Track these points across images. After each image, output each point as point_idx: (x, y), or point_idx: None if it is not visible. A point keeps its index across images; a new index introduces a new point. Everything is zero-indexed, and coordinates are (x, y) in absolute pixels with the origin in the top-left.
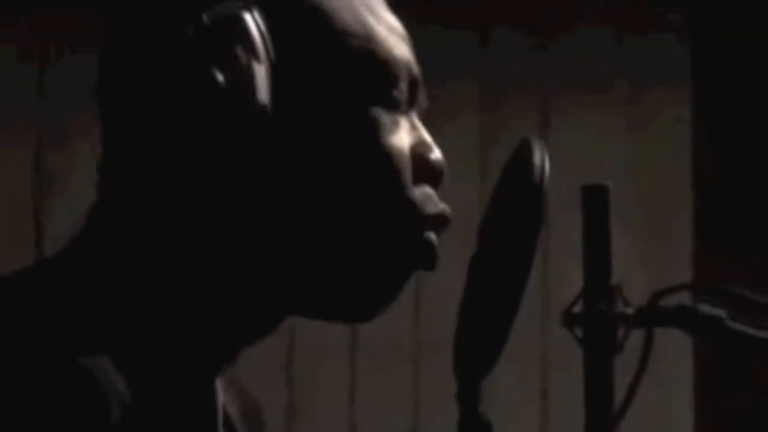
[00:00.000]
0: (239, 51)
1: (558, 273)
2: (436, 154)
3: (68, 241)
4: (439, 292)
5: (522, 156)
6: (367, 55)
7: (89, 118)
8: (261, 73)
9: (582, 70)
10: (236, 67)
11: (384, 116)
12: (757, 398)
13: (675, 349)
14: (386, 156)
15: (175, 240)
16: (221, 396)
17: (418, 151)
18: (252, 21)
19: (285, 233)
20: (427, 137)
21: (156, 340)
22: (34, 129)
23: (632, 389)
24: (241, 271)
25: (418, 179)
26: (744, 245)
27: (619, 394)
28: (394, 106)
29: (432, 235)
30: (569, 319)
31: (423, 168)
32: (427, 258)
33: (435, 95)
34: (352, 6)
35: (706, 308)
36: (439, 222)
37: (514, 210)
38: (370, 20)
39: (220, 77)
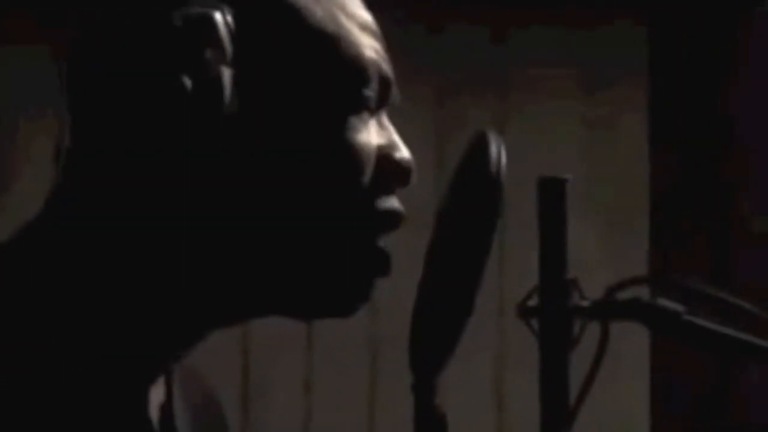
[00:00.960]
0: (208, 54)
1: (514, 266)
2: (404, 153)
3: (22, 225)
4: (395, 286)
5: (478, 148)
6: (336, 53)
7: (38, 115)
8: (227, 75)
9: (538, 63)
10: (204, 71)
11: (352, 115)
12: (713, 392)
13: (631, 342)
14: (352, 155)
15: (130, 229)
16: (160, 392)
17: (386, 151)
18: (222, 20)
19: (243, 231)
20: (396, 137)
21: (104, 330)
22: None
23: (588, 382)
24: (197, 264)
25: (386, 179)
26: (700, 239)
27: (575, 387)
28: (363, 106)
29: (385, 244)
30: (525, 312)
31: (390, 167)
32: (381, 266)
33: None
34: (324, 2)
35: (663, 302)
36: (391, 219)
37: (470, 202)
38: (342, 18)
39: (187, 82)
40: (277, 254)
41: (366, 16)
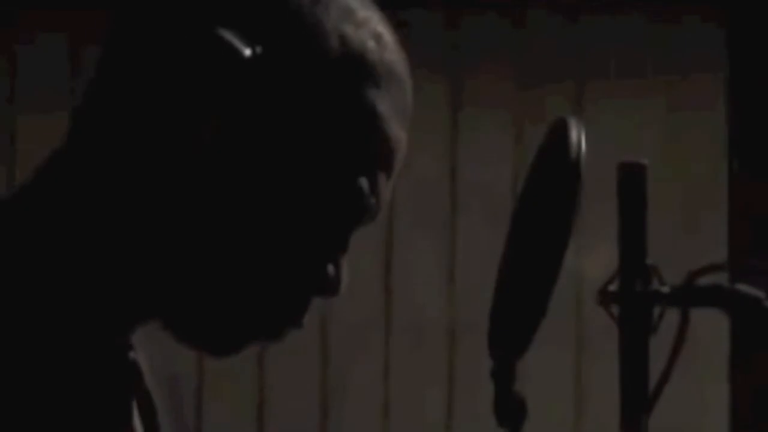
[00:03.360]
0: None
1: (593, 252)
2: (335, 276)
3: (20, 185)
4: (474, 271)
5: (559, 134)
6: (363, 133)
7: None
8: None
9: (620, 52)
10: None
11: (337, 207)
12: None
13: (710, 329)
14: (313, 235)
15: (116, 196)
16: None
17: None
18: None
19: (211, 228)
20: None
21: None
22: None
23: (668, 369)
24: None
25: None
26: None
27: (653, 374)
28: (359, 210)
29: (331, 268)
30: (605, 298)
31: (321, 281)
32: (298, 316)
33: (471, 78)
34: (385, 89)
35: (744, 288)
36: (330, 287)
37: (550, 188)
38: (385, 103)
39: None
40: (220, 260)
41: (407, 103)
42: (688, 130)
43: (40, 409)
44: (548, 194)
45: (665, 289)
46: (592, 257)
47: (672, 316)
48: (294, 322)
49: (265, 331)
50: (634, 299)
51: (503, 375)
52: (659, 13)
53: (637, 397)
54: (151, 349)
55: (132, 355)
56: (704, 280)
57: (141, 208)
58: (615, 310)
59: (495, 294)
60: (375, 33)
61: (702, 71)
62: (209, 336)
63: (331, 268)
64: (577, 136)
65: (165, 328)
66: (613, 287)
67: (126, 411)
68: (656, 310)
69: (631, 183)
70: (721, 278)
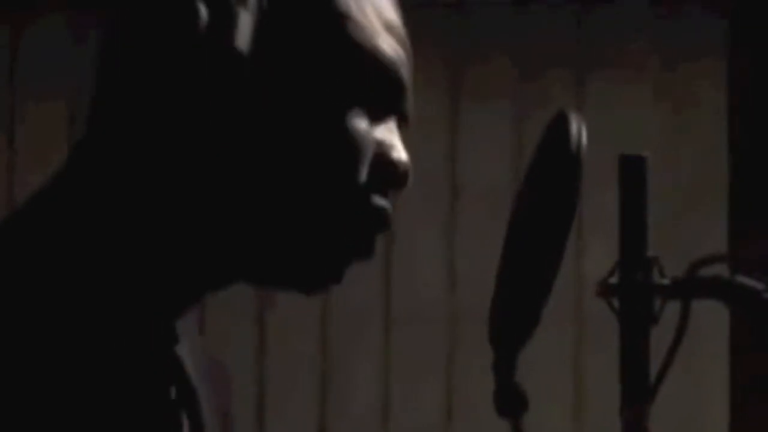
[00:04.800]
0: None
1: (593, 244)
2: (401, 154)
3: (50, 178)
4: (475, 262)
5: (558, 127)
6: (356, 38)
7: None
8: (246, 21)
9: (617, 43)
10: (222, 7)
11: (358, 102)
12: None
13: (710, 321)
14: (349, 140)
15: (150, 178)
16: (182, 346)
17: (384, 150)
18: None
19: (240, 194)
20: (397, 141)
21: (117, 277)
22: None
23: (668, 361)
24: (198, 223)
25: (380, 178)
26: None
27: (654, 366)
28: (371, 97)
29: (380, 200)
30: (605, 290)
31: (385, 166)
32: (378, 221)
33: (471, 67)
34: None
35: (744, 280)
36: (378, 217)
37: (551, 180)
38: (369, 10)
39: (203, 12)
40: (266, 222)
41: (395, 18)
42: (689, 121)
43: (86, 403)
44: (548, 187)
45: (665, 281)
46: (592, 248)
47: (673, 308)
48: (361, 252)
49: (338, 255)
50: (634, 291)
51: (504, 367)
52: (660, 2)
53: (638, 389)
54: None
55: (176, 347)
56: (705, 272)
57: (177, 180)
58: (615, 302)
59: (496, 286)
60: None
61: (703, 60)
62: (295, 276)
63: (377, 199)
64: (578, 130)
65: (257, 285)
66: (613, 279)
67: (169, 403)
68: (657, 302)
69: (632, 175)
70: (722, 270)
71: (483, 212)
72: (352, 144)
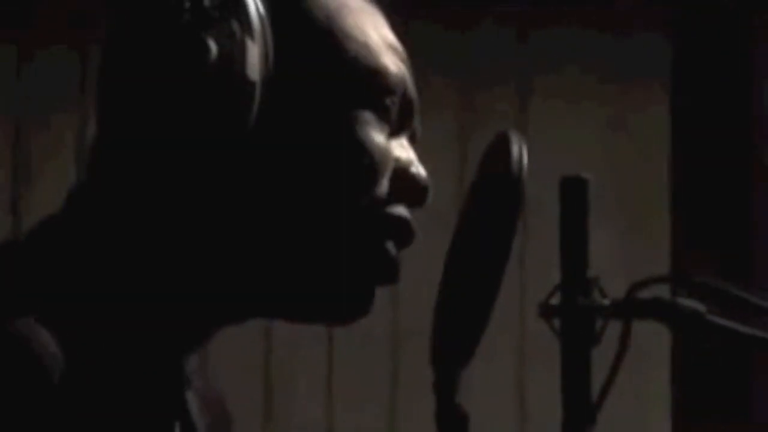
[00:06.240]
0: (234, 25)
1: (535, 265)
2: (421, 170)
3: (47, 218)
4: (417, 282)
5: (500, 148)
6: (363, 58)
7: (70, 105)
8: (254, 51)
9: (561, 64)
10: (230, 40)
11: (371, 119)
12: (734, 391)
13: (652, 341)
14: (368, 156)
15: (154, 220)
16: (188, 382)
17: (403, 165)
18: (252, 2)
19: (253, 224)
20: (414, 156)
21: (126, 319)
22: (13, 116)
23: (609, 381)
24: (209, 257)
25: (401, 193)
26: (720, 240)
27: (596, 387)
28: (383, 113)
29: (392, 247)
30: (547, 311)
31: (406, 182)
32: (387, 273)
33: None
34: (356, 15)
35: (685, 301)
36: (401, 227)
37: (491, 201)
38: (371, 31)
39: (212, 46)
40: (285, 252)
41: (393, 38)
42: (632, 140)
43: (95, 417)
44: (489, 209)
45: (606, 302)
46: (534, 270)
47: (616, 327)
48: (386, 274)
49: (363, 281)
50: (575, 312)
51: (445, 387)
52: (605, 22)
53: (580, 410)
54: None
55: (187, 369)
56: (646, 293)
57: (182, 218)
58: (557, 323)
59: (437, 306)
60: None
61: (646, 79)
62: (323, 304)
63: (397, 209)
64: (518, 151)
65: (287, 320)
66: (554, 300)
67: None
68: (598, 323)
69: (573, 197)
70: (664, 291)
71: (425, 231)
72: (372, 159)
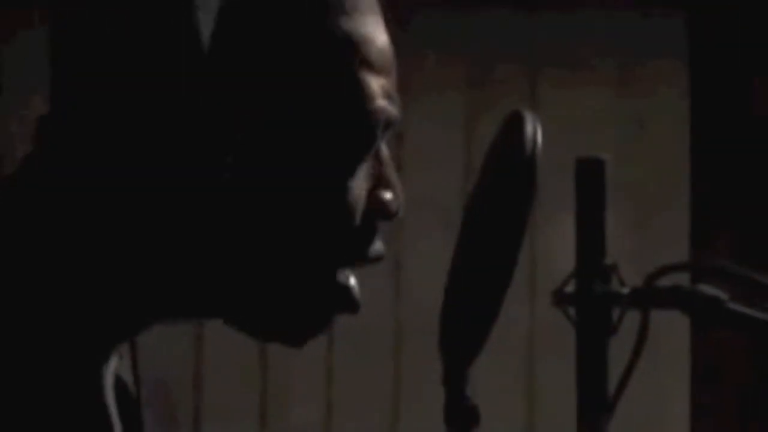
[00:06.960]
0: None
1: (548, 251)
2: (389, 195)
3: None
4: (422, 273)
5: (513, 127)
6: (347, 108)
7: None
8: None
9: (574, 45)
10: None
11: (351, 164)
12: (755, 382)
13: (671, 331)
14: (344, 204)
15: (102, 198)
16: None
17: (375, 190)
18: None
19: (215, 228)
20: (390, 173)
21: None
22: None
23: (628, 373)
24: (164, 251)
25: (371, 215)
26: (741, 225)
27: (612, 378)
28: (365, 154)
29: (348, 278)
30: (561, 299)
31: (376, 205)
32: (344, 303)
33: (422, 69)
34: (355, 14)
35: (705, 289)
36: (372, 263)
37: (504, 182)
38: (356, 62)
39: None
40: (245, 266)
41: (382, 44)
42: (650, 123)
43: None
44: (501, 191)
45: (624, 290)
46: (548, 256)
47: (633, 316)
48: (344, 304)
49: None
50: (591, 301)
51: (454, 380)
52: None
53: (597, 402)
54: (140, 356)
55: (114, 366)
56: (665, 281)
57: (144, 209)
58: (572, 312)
59: (446, 297)
60: None
61: (663, 61)
62: (270, 329)
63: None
64: (533, 130)
65: (238, 329)
66: (570, 288)
67: (105, 424)
68: (615, 312)
69: (590, 179)
70: (683, 278)
71: (430, 222)
72: (349, 207)
